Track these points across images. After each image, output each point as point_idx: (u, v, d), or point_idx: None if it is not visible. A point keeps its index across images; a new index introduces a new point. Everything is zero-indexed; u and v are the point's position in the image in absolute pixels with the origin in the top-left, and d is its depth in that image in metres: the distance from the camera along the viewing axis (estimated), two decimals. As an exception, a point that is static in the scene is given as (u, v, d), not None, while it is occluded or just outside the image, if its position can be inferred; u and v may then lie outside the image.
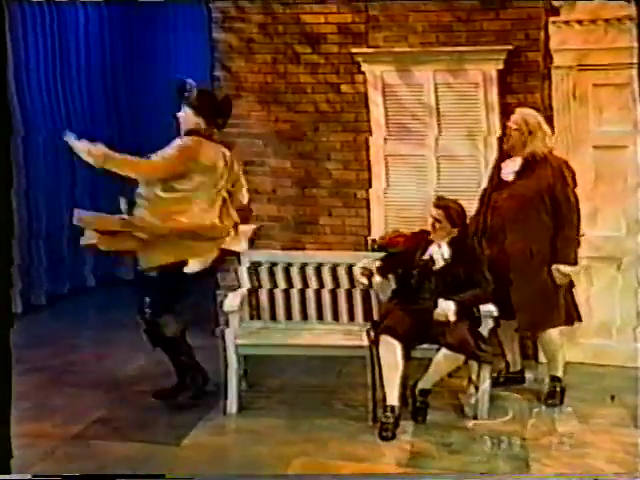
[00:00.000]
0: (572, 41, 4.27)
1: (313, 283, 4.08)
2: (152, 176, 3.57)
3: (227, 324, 3.84)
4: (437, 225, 3.72)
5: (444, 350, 3.55)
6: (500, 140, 4.33)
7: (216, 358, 3.79)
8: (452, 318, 3.54)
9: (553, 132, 4.09)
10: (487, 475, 3.11)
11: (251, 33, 4.82)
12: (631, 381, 4.01)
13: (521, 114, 3.89)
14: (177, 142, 3.68)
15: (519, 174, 3.84)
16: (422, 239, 3.78)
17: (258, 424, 3.59)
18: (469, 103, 4.57)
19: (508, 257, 3.78)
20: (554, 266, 3.79)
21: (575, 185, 3.85)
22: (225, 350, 3.73)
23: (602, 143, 4.32)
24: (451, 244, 3.71)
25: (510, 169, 3.88)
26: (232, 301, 3.86)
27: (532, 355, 4.36)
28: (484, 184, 4.05)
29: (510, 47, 4.44)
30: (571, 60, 4.30)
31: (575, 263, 3.84)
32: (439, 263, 3.71)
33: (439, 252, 3.71)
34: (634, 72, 4.11)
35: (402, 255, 3.83)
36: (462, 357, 3.57)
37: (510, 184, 3.85)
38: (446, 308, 3.56)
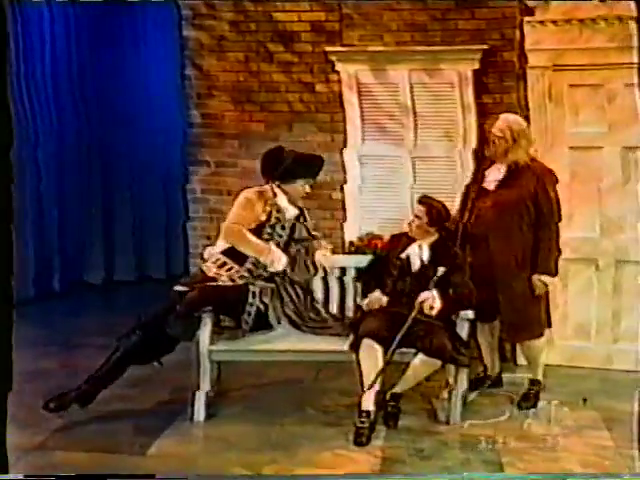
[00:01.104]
0: (547, 41, 4.24)
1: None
2: None
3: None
4: (416, 221, 3.65)
5: (421, 355, 3.48)
6: (475, 150, 4.30)
7: (186, 363, 3.68)
8: (437, 305, 3.49)
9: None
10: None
11: (222, 31, 4.73)
12: (608, 383, 4.00)
13: (506, 121, 3.78)
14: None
15: (502, 183, 3.78)
16: (403, 241, 3.71)
17: (227, 431, 3.49)
18: (445, 103, 4.53)
19: (492, 265, 3.72)
20: (535, 276, 3.73)
21: (556, 193, 3.79)
22: (198, 355, 3.61)
23: (577, 144, 4.29)
24: (432, 247, 3.64)
25: (492, 177, 3.81)
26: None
27: (510, 358, 4.32)
28: (462, 192, 3.95)
29: (485, 47, 4.41)
30: (546, 60, 4.27)
31: (555, 274, 3.79)
32: (416, 264, 3.64)
33: (418, 253, 3.63)
34: (609, 73, 4.11)
35: (385, 259, 3.75)
36: (439, 362, 3.50)
37: (492, 193, 3.78)
38: (431, 295, 3.48)
